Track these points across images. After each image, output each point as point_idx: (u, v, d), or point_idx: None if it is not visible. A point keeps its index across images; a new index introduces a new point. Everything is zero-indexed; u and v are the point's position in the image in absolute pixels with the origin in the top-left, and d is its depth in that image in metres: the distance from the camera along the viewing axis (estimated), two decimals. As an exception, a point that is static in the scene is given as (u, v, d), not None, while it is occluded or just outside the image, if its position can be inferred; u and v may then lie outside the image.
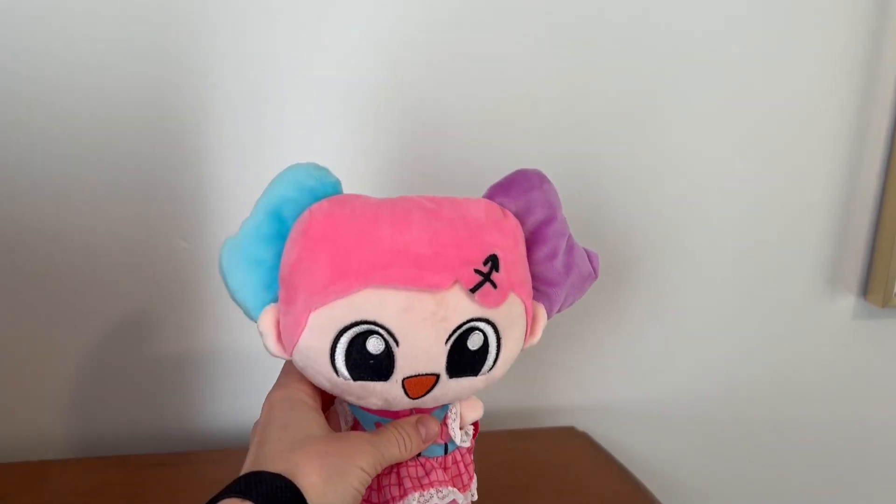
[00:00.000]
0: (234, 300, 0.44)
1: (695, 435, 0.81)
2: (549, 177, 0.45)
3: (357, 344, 0.40)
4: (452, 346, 0.41)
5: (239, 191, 0.64)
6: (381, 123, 0.66)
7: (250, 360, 0.67)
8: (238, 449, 0.63)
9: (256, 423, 0.42)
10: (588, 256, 0.48)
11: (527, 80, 0.67)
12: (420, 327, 0.39)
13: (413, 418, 0.44)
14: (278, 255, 0.42)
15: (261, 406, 0.43)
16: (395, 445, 0.42)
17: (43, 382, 0.65)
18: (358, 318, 0.39)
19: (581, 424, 0.74)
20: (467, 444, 0.47)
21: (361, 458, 0.39)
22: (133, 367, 0.66)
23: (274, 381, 0.45)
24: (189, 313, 0.66)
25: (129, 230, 0.63)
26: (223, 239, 0.63)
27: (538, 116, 0.68)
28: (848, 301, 0.81)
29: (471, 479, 0.48)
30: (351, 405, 0.45)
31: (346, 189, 0.43)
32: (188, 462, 0.61)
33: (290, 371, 0.44)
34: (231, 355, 0.68)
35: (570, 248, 0.47)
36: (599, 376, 0.77)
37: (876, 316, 0.81)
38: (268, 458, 0.38)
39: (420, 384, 0.41)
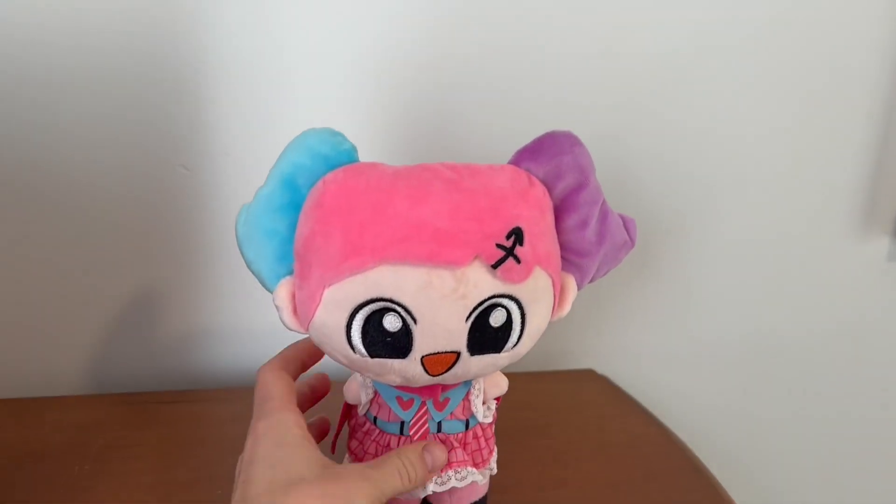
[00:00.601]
0: (251, 270, 0.42)
1: (720, 380, 0.79)
2: (581, 136, 0.42)
3: (374, 321, 0.38)
4: (473, 324, 0.39)
5: (240, 115, 0.62)
6: (397, 79, 0.62)
7: (252, 297, 0.66)
8: (238, 388, 0.64)
9: (241, 457, 0.39)
10: (624, 223, 0.45)
11: (551, 42, 0.63)
12: (439, 305, 0.37)
13: (419, 445, 0.41)
14: (293, 226, 0.41)
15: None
16: (396, 478, 0.39)
17: (39, 317, 0.64)
18: (374, 296, 0.37)
19: (601, 369, 0.73)
20: (489, 420, 0.46)
21: (359, 498, 0.36)
22: (131, 301, 0.65)
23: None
24: (189, 244, 0.64)
25: (128, 157, 0.61)
26: (224, 165, 0.61)
27: (567, 74, 0.64)
28: (882, 242, 0.78)
29: (490, 453, 0.46)
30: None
31: (362, 152, 0.41)
32: (189, 400, 0.62)
33: (271, 395, 0.42)
34: (232, 292, 0.66)
35: (604, 215, 0.43)
36: (621, 320, 0.75)
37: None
38: (256, 502, 0.35)
39: (440, 362, 0.39)
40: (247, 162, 0.62)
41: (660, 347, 0.76)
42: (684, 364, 0.77)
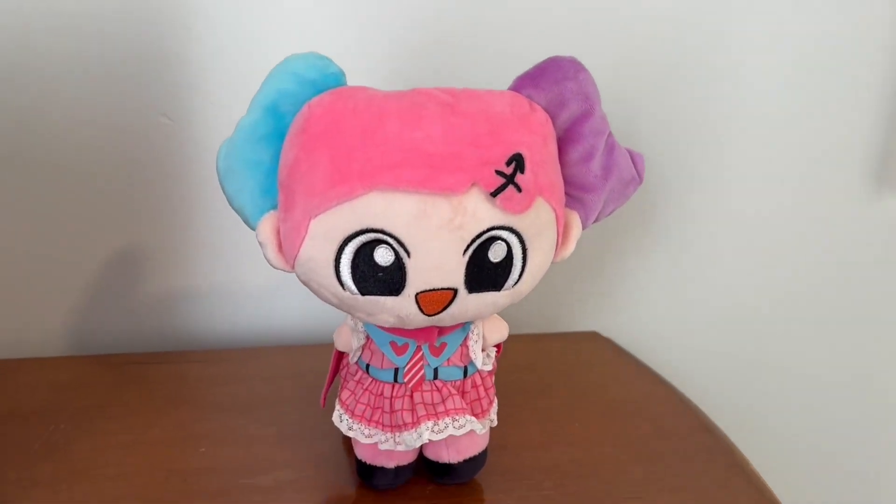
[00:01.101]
0: (233, 207, 0.39)
1: (727, 341, 0.77)
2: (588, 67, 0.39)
3: (364, 254, 0.35)
4: (471, 258, 0.36)
5: (223, 62, 0.58)
6: (390, 11, 0.59)
7: (238, 256, 0.63)
8: (222, 350, 0.62)
9: None
10: (632, 158, 0.42)
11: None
12: (434, 236, 0.35)
13: None
14: (276, 157, 0.38)
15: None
16: None
17: (17, 277, 0.61)
18: (363, 226, 0.35)
19: (604, 332, 0.70)
20: (489, 368, 0.43)
21: None
22: (111, 259, 0.62)
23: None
24: (173, 199, 0.61)
25: (105, 107, 0.58)
26: (206, 115, 0.58)
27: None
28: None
29: (490, 403, 0.44)
30: (364, 322, 0.41)
31: (351, 82, 0.38)
32: (171, 361, 0.59)
33: None
34: (217, 249, 0.63)
35: (610, 148, 0.41)
36: (623, 283, 0.72)
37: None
38: None
39: (435, 300, 0.37)
40: (234, 109, 0.59)
41: (664, 309, 0.74)
42: (690, 326, 0.75)
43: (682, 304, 0.74)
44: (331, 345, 0.44)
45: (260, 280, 0.65)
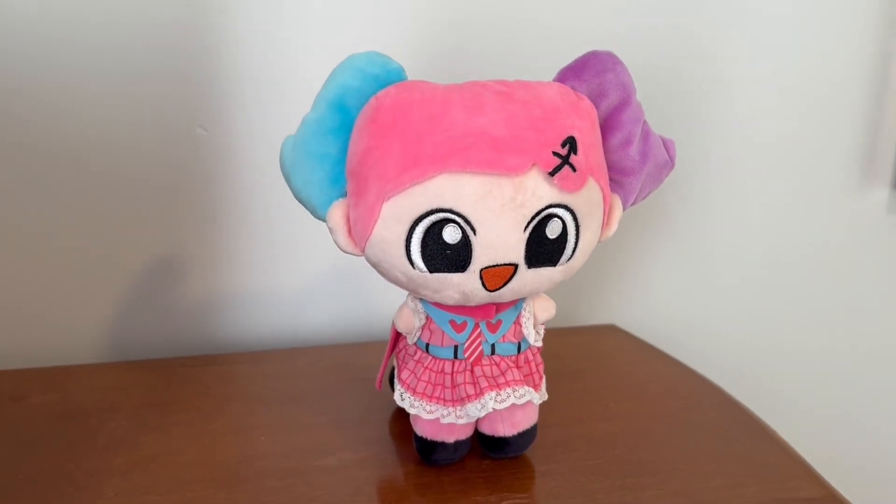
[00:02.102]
0: (299, 199, 0.42)
1: (738, 330, 0.81)
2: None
3: (433, 233, 0.38)
4: (531, 235, 0.39)
5: (259, 77, 0.61)
6: (424, 16, 0.63)
7: (273, 259, 0.66)
8: (262, 351, 0.64)
9: None
10: (664, 144, 0.46)
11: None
12: (498, 214, 0.38)
13: None
14: (343, 149, 0.41)
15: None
16: None
17: (58, 286, 0.63)
18: (434, 206, 0.38)
19: (621, 325, 0.74)
20: (539, 344, 0.46)
21: None
22: (150, 266, 0.64)
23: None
24: (210, 206, 0.63)
25: (146, 118, 0.60)
26: (239, 127, 0.61)
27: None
28: (882, 194, 0.80)
29: (541, 378, 0.47)
30: (424, 302, 0.44)
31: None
32: (214, 363, 0.61)
33: None
34: (252, 255, 0.66)
35: (646, 134, 0.44)
36: (638, 277, 0.76)
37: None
38: None
39: (498, 274, 0.39)
40: (266, 121, 0.62)
41: (679, 304, 0.77)
42: (700, 316, 0.78)
43: (691, 296, 0.78)
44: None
45: (292, 284, 0.67)
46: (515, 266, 0.40)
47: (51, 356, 0.62)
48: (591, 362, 0.63)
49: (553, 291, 0.44)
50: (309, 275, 0.67)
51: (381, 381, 0.50)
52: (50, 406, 0.52)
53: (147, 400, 0.54)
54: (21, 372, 0.58)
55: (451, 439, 0.45)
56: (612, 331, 0.71)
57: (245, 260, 0.65)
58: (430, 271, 0.39)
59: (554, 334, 0.68)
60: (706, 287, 0.78)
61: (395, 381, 0.46)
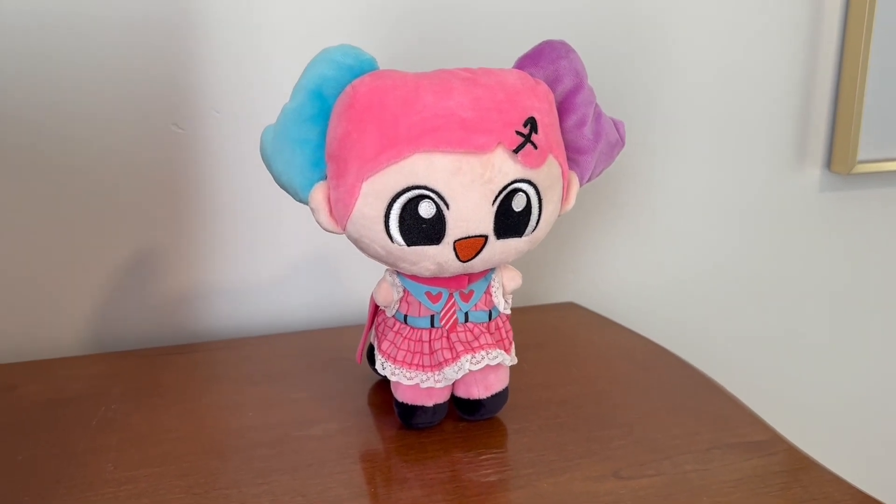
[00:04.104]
0: (280, 184, 0.45)
1: (688, 306, 0.86)
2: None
3: (410, 209, 0.42)
4: (499, 208, 0.43)
5: (233, 75, 0.64)
6: (389, 23, 0.66)
7: (250, 251, 0.68)
8: (240, 338, 0.66)
9: None
10: (615, 125, 0.50)
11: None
12: (469, 189, 0.41)
13: None
14: (322, 134, 0.44)
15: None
16: None
17: (39, 280, 0.64)
18: (409, 184, 0.41)
19: (579, 302, 0.78)
20: (508, 311, 0.50)
21: None
22: (128, 261, 0.66)
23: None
24: (187, 202, 0.66)
25: (123, 116, 0.62)
26: (212, 125, 0.63)
27: None
28: (814, 173, 0.86)
29: (511, 343, 0.50)
30: (401, 277, 0.47)
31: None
32: (196, 351, 0.63)
33: None
34: (227, 248, 0.68)
35: (598, 115, 0.48)
36: (593, 257, 0.80)
37: (840, 188, 0.87)
38: None
39: (470, 246, 0.43)
40: (239, 117, 0.64)
41: (631, 280, 0.82)
42: (656, 294, 0.83)
43: (641, 272, 0.82)
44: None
45: (267, 273, 0.69)
46: (486, 237, 0.43)
47: (36, 350, 0.63)
48: (554, 335, 0.67)
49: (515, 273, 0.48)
50: (285, 266, 0.70)
51: (361, 354, 0.53)
52: (41, 394, 0.54)
53: (135, 385, 0.56)
54: (8, 365, 0.60)
55: (430, 403, 0.48)
56: (571, 307, 0.75)
57: (223, 253, 0.68)
58: (408, 244, 0.43)
59: (518, 312, 0.72)
60: (655, 263, 0.82)
61: (376, 352, 0.49)
